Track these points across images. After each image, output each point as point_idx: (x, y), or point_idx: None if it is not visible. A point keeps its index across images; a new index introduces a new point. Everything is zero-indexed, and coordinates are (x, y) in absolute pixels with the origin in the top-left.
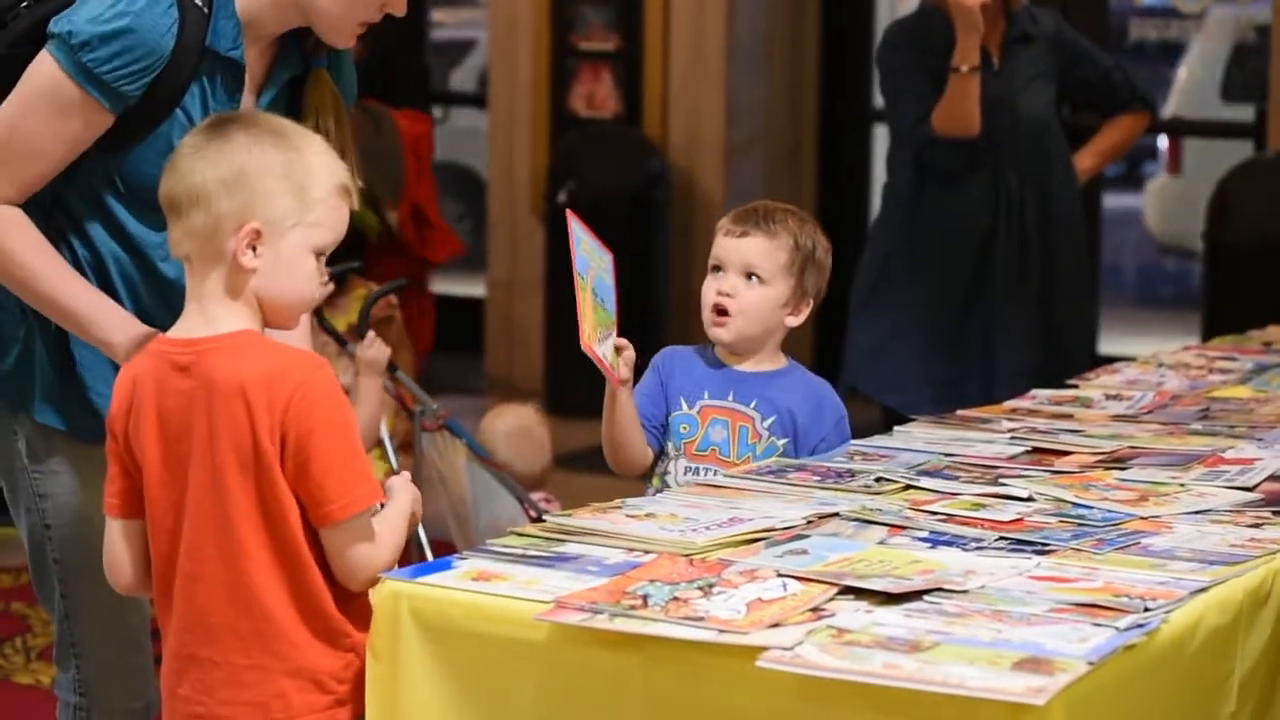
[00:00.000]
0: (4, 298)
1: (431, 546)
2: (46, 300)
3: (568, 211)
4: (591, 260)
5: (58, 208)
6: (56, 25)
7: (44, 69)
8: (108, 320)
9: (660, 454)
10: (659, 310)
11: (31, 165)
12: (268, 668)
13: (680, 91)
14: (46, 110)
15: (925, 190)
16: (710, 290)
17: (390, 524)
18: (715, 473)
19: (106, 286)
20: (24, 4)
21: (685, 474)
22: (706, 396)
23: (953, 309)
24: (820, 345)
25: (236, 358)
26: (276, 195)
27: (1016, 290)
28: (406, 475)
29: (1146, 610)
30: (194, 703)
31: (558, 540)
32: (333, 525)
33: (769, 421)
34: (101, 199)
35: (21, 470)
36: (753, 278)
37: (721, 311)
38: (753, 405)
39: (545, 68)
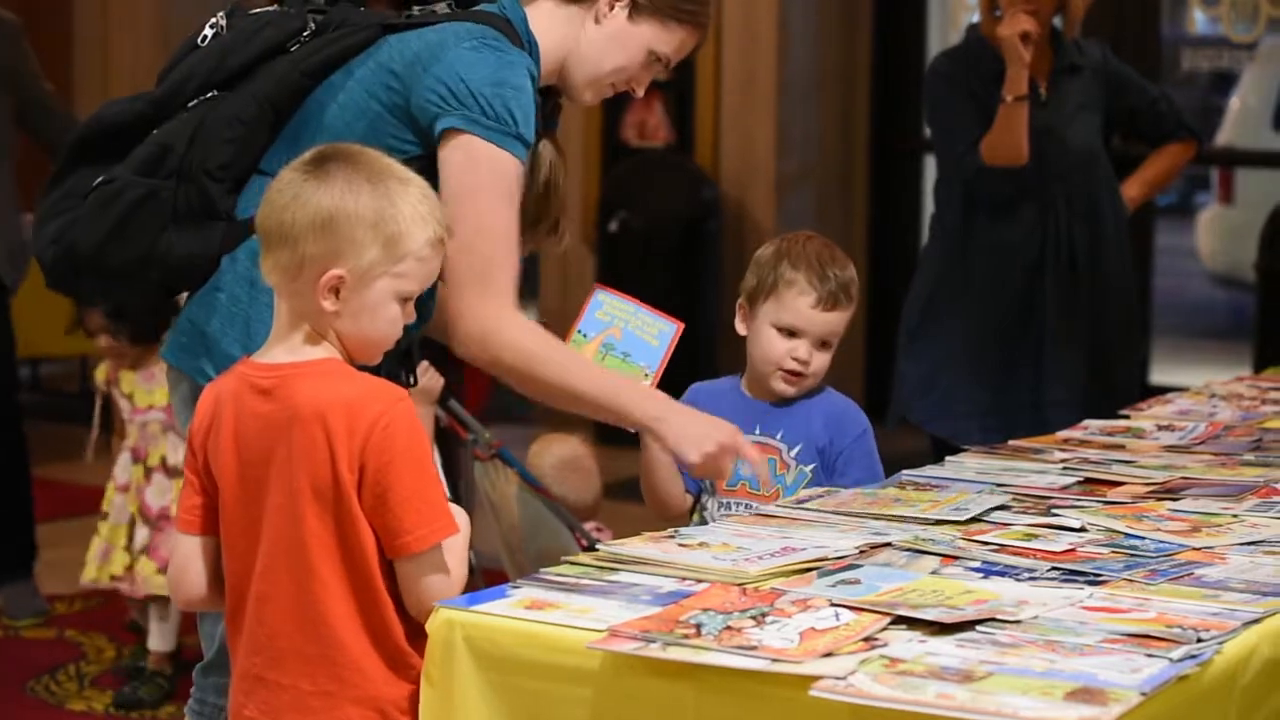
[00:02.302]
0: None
1: (483, 575)
2: (575, 396)
3: (596, 285)
4: (616, 323)
5: None
6: (457, 92)
7: (498, 161)
8: (645, 398)
9: (699, 494)
10: (709, 339)
11: (514, 256)
12: (335, 694)
13: (732, 121)
14: (505, 197)
15: (973, 220)
16: (783, 354)
17: (456, 554)
18: (746, 507)
19: None
20: (305, 33)
21: (719, 510)
22: None
23: (1001, 339)
24: (870, 375)
25: (318, 384)
26: (365, 245)
27: (1065, 320)
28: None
29: (1199, 641)
30: None
31: (611, 569)
32: (408, 556)
33: (795, 450)
34: None
35: None
36: (825, 344)
37: (795, 374)
38: (779, 436)
39: None
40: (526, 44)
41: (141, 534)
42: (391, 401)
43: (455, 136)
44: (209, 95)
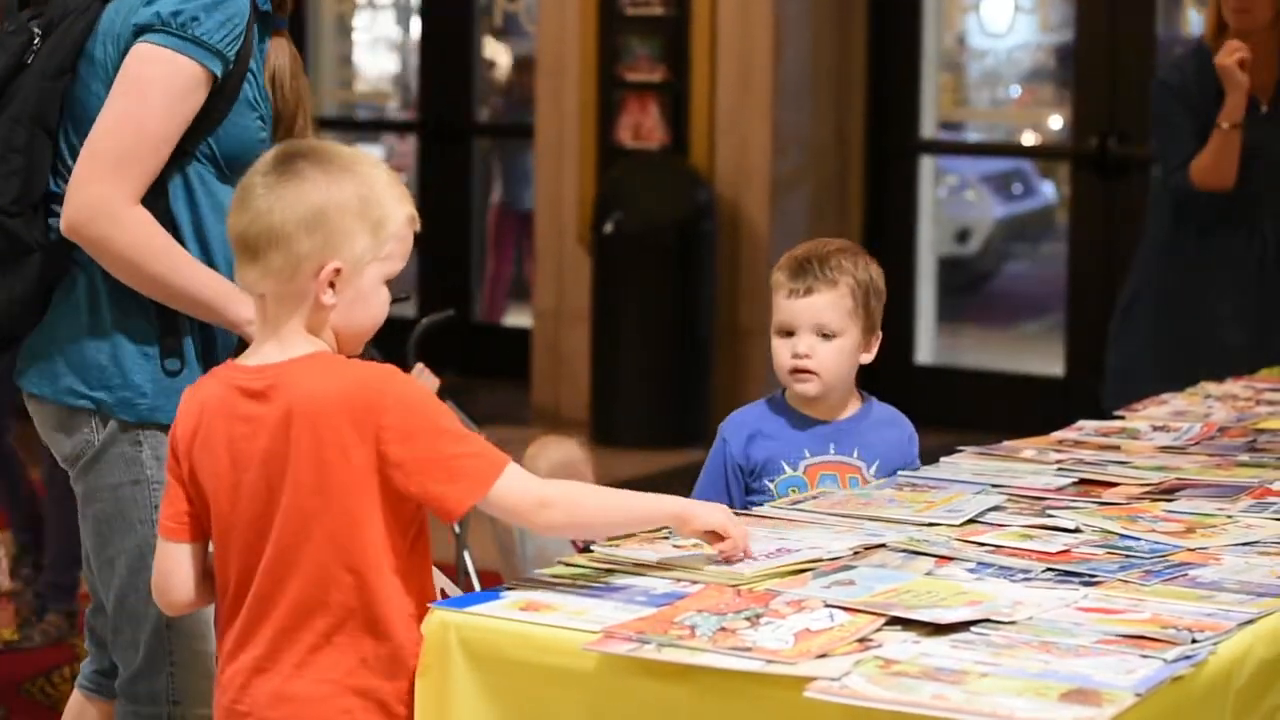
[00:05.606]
0: (134, 320)
1: (479, 577)
2: (180, 292)
3: None
4: None
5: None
6: (147, 18)
7: (154, 58)
8: (244, 302)
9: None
10: (704, 341)
11: (159, 156)
12: (337, 684)
13: (727, 123)
14: (169, 98)
15: (1182, 231)
16: (784, 354)
17: (525, 480)
18: None
19: None
20: (35, 42)
21: None
22: (808, 455)
23: (1189, 347)
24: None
25: (313, 379)
26: (355, 234)
27: (1260, 338)
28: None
29: (1194, 642)
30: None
31: (605, 571)
32: (461, 515)
33: (874, 467)
34: (186, 169)
35: (141, 483)
36: (824, 334)
37: (801, 371)
38: (855, 454)
39: (592, 99)
40: None
41: None
42: (385, 378)
43: (136, 46)
44: None
